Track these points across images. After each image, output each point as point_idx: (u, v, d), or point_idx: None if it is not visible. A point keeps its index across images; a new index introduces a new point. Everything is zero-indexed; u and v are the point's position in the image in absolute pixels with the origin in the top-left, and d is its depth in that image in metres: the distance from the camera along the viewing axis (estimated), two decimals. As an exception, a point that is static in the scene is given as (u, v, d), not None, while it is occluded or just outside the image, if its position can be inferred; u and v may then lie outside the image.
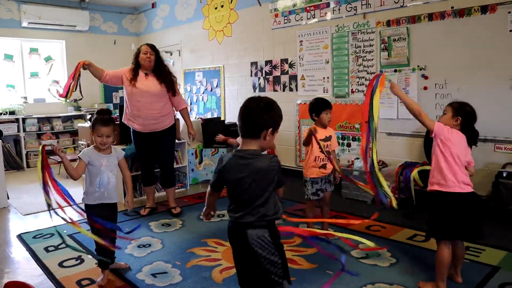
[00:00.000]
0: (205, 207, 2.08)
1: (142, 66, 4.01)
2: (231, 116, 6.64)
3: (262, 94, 6.18)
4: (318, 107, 3.37)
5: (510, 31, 3.84)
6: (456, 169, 2.42)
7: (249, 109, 1.80)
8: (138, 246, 3.41)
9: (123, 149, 4.61)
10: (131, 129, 4.24)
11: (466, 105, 2.54)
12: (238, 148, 1.85)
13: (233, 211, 1.83)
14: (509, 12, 3.82)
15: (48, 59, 7.83)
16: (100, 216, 2.57)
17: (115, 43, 8.42)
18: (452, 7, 4.17)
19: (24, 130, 7.17)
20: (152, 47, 4.08)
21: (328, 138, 3.38)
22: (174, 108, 4.26)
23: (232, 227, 1.86)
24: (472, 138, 2.54)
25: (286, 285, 1.84)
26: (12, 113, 7.07)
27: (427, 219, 2.60)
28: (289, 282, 1.86)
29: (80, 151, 2.88)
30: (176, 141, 4.62)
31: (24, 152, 7.13)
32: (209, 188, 1.99)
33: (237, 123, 1.85)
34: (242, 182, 1.77)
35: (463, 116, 2.48)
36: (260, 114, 1.77)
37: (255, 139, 1.80)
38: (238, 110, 1.83)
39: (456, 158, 2.43)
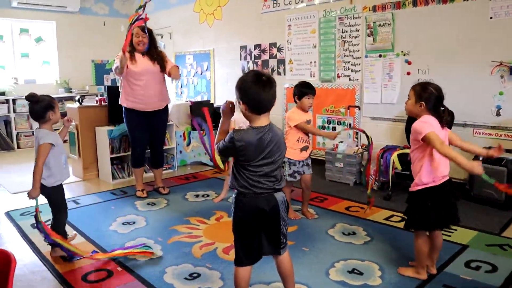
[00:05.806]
0: None
1: (136, 49, 4.09)
2: (221, 99, 6.69)
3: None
4: (301, 91, 3.43)
5: (491, 18, 3.90)
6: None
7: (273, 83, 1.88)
8: (123, 223, 3.50)
9: (111, 130, 4.76)
10: (123, 110, 4.24)
11: (428, 87, 2.34)
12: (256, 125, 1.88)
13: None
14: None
15: (38, 40, 7.81)
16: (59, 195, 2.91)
17: (104, 25, 8.38)
18: (436, -7, 4.23)
19: (15, 111, 7.17)
20: (143, 29, 4.13)
21: (308, 122, 3.46)
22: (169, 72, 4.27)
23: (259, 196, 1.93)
24: (443, 118, 2.36)
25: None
26: (2, 94, 7.09)
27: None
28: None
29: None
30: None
31: (14, 133, 7.15)
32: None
33: (255, 98, 1.82)
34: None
35: (426, 101, 2.32)
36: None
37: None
38: (254, 84, 1.83)
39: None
